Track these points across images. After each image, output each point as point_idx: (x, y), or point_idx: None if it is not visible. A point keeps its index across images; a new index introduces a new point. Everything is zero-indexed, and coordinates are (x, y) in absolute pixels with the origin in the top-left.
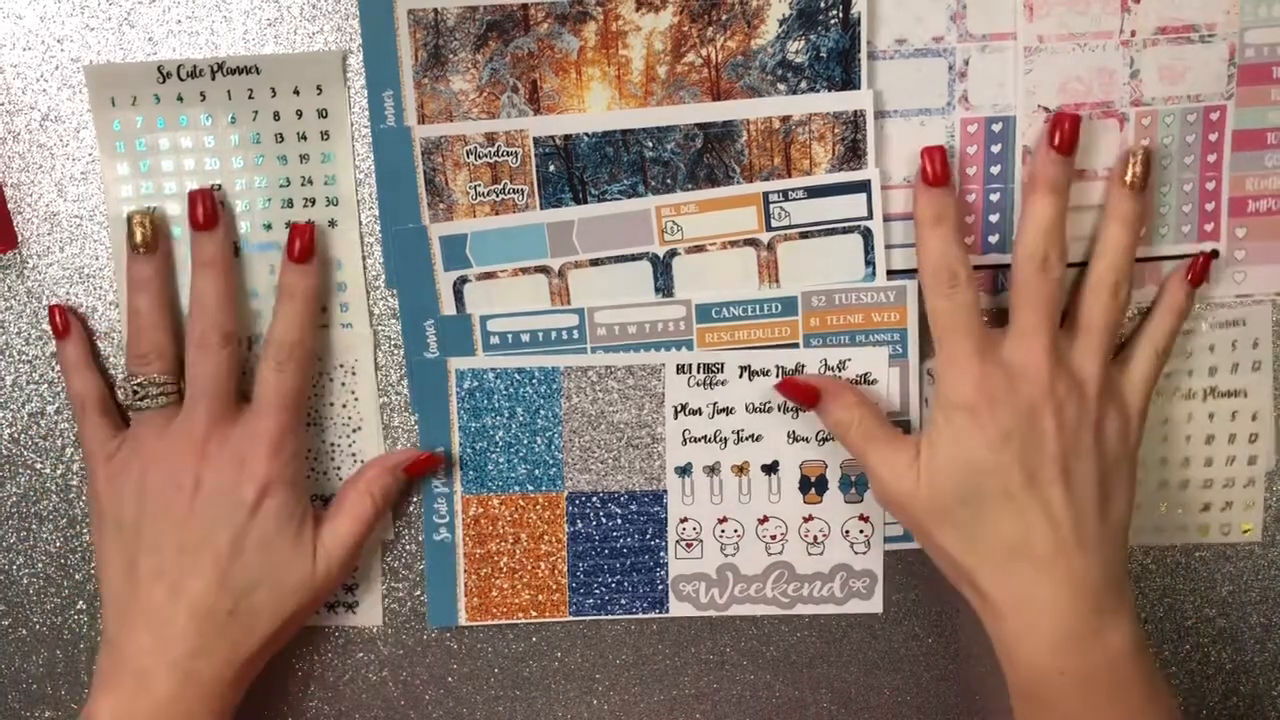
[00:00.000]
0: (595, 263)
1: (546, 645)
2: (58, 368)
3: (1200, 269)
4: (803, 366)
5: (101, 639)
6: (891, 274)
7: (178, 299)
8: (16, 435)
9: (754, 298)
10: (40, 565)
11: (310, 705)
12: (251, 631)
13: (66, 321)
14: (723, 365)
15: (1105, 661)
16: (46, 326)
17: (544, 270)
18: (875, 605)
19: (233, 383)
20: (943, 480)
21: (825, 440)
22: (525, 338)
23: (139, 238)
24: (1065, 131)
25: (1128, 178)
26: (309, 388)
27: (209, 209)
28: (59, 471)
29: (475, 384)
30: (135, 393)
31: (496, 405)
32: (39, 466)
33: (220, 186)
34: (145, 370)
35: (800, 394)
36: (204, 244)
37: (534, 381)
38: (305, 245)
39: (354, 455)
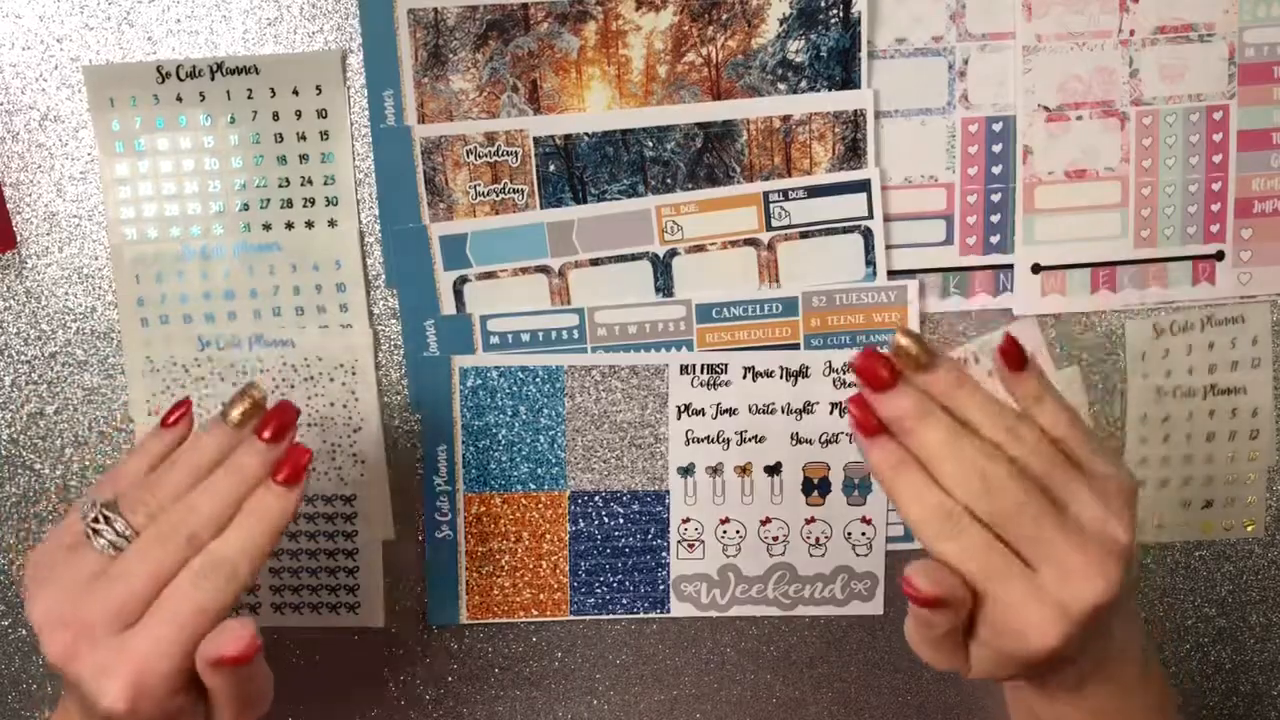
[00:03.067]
0: (595, 262)
1: (547, 645)
2: (57, 368)
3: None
4: (806, 368)
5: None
6: (892, 274)
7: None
8: (16, 435)
9: (754, 298)
10: None
11: (310, 705)
12: None
13: (180, 421)
14: (726, 366)
15: (1120, 688)
16: (45, 327)
17: (544, 270)
18: (876, 607)
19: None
20: (995, 681)
21: (828, 442)
22: (525, 337)
23: (236, 414)
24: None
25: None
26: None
27: (283, 425)
28: (58, 472)
29: (478, 382)
30: (95, 520)
31: (500, 404)
32: (38, 467)
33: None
34: (130, 518)
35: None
36: (268, 498)
37: (537, 380)
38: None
39: (354, 455)
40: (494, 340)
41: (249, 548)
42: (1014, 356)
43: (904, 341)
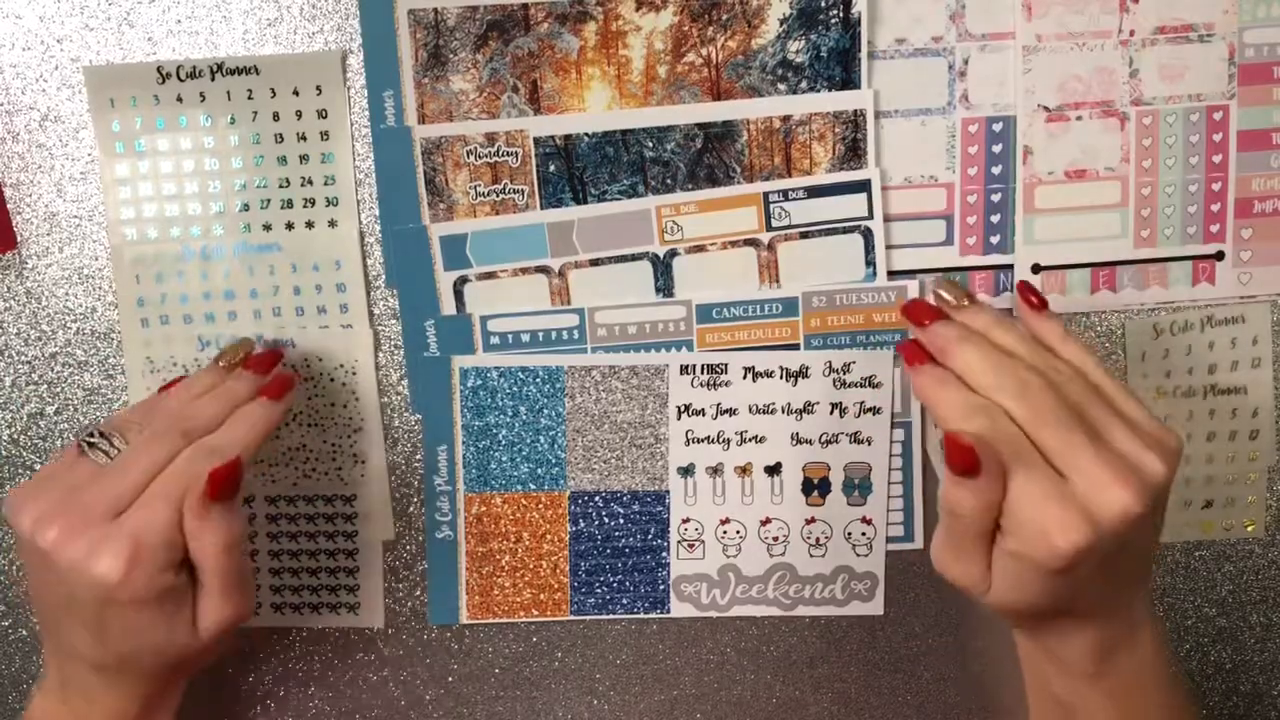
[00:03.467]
0: (595, 263)
1: (547, 645)
2: (57, 368)
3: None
4: (807, 369)
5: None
6: (892, 274)
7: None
8: (16, 436)
9: (755, 298)
10: None
11: (310, 705)
12: (140, 676)
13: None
14: (726, 366)
15: (1136, 668)
16: (46, 327)
17: (544, 270)
18: (876, 607)
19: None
20: (1012, 605)
21: (828, 443)
22: (525, 338)
23: (227, 358)
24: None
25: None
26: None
27: (265, 364)
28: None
29: (479, 382)
30: (89, 437)
31: (500, 404)
32: (38, 467)
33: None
34: (126, 433)
35: (966, 461)
36: (255, 408)
37: (538, 380)
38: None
39: (354, 455)
40: (494, 340)
41: (237, 441)
42: (1034, 296)
43: (942, 290)
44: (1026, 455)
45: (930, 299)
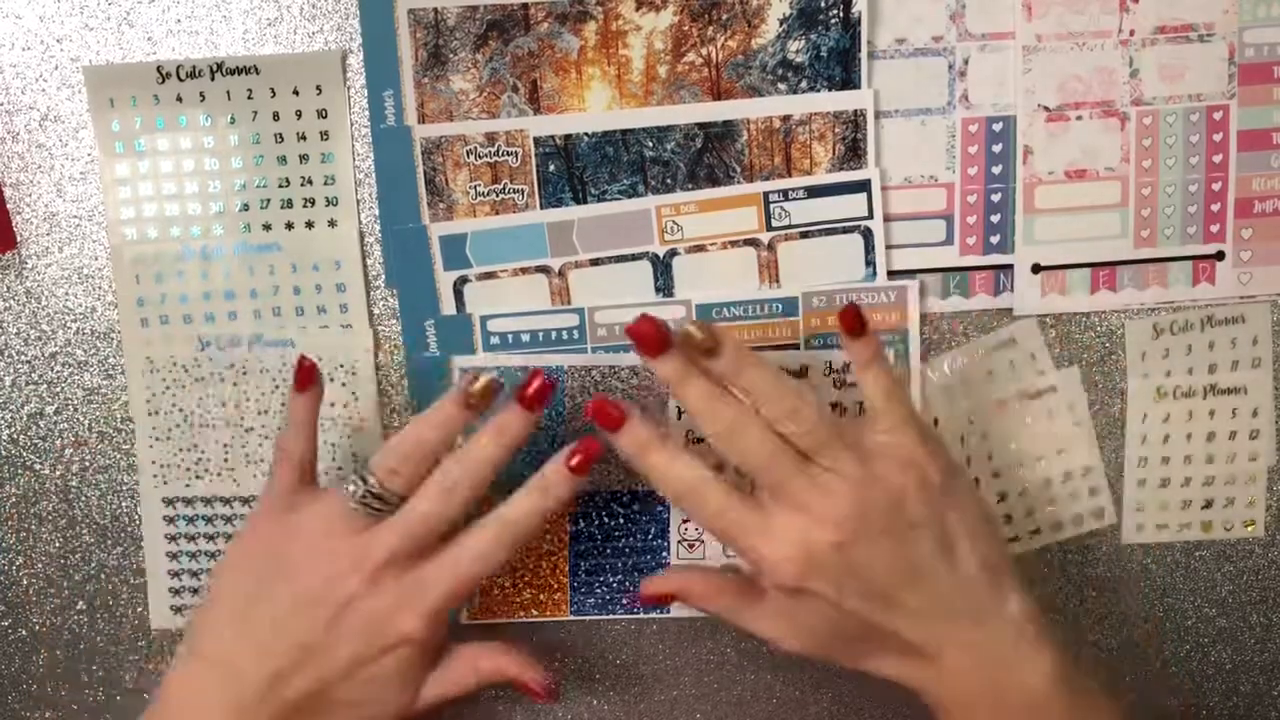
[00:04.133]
0: (595, 262)
1: (547, 645)
2: (57, 368)
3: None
4: (807, 369)
5: (175, 664)
6: (892, 274)
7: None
8: (16, 436)
9: (755, 298)
10: (40, 565)
11: None
12: None
13: (312, 378)
14: None
15: (1024, 703)
16: (45, 327)
17: (544, 270)
18: None
19: (440, 535)
20: (808, 642)
21: None
22: (525, 338)
23: (475, 390)
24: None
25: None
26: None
27: (544, 394)
28: (58, 472)
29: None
30: (364, 498)
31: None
32: (38, 467)
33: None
34: (390, 484)
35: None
36: (516, 421)
37: None
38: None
39: (354, 455)
40: (494, 340)
41: (531, 514)
42: (853, 321)
43: (689, 329)
44: (734, 519)
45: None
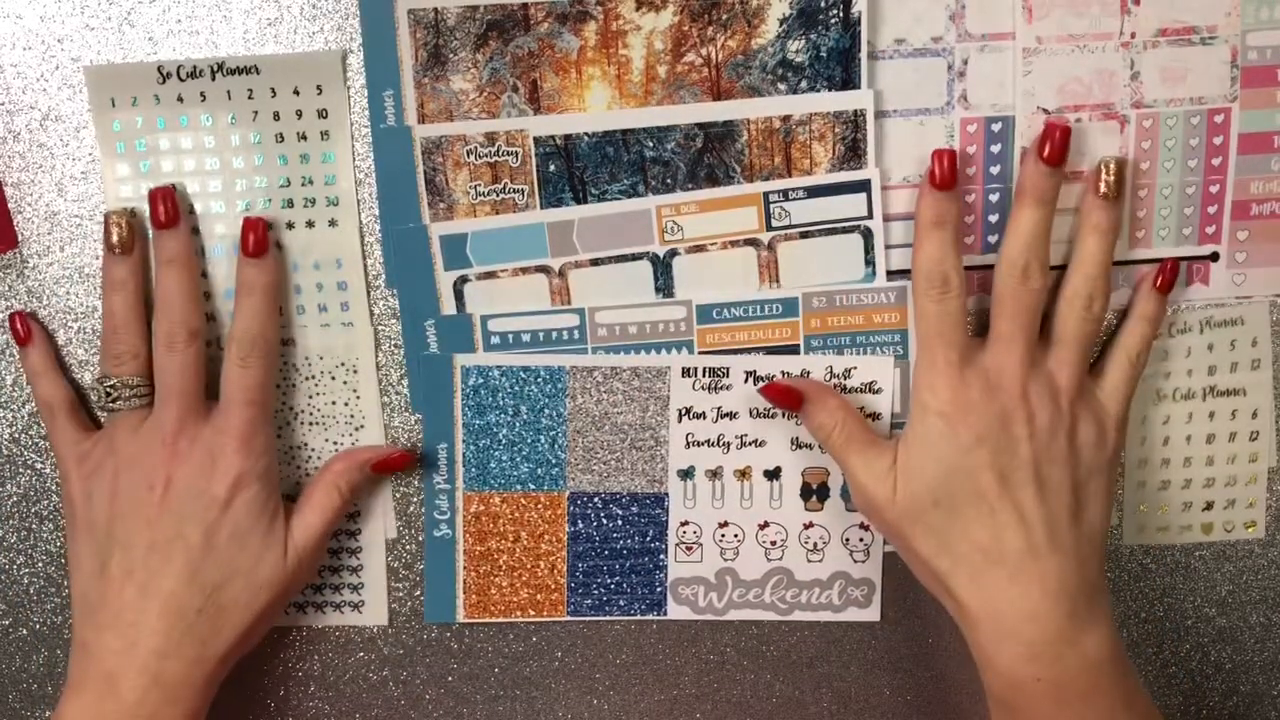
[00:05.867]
0: (595, 262)
1: (547, 645)
2: None
3: (1168, 275)
4: (808, 373)
5: (72, 642)
6: (891, 274)
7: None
8: (16, 435)
9: (755, 298)
10: (40, 565)
11: (310, 705)
12: (220, 630)
13: (29, 328)
14: (728, 369)
15: (1081, 669)
16: (47, 326)
17: (544, 270)
18: (873, 613)
19: (200, 380)
20: (917, 483)
21: None
22: (526, 337)
23: (115, 237)
24: (1055, 142)
25: (1101, 189)
26: (274, 380)
27: (170, 208)
28: (59, 471)
29: (480, 381)
30: (108, 394)
31: (501, 403)
32: (39, 467)
33: (179, 186)
34: (118, 371)
35: (784, 398)
36: (166, 241)
37: (539, 380)
38: (259, 240)
39: (350, 426)
40: (495, 340)
41: (261, 316)
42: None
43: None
44: (949, 332)
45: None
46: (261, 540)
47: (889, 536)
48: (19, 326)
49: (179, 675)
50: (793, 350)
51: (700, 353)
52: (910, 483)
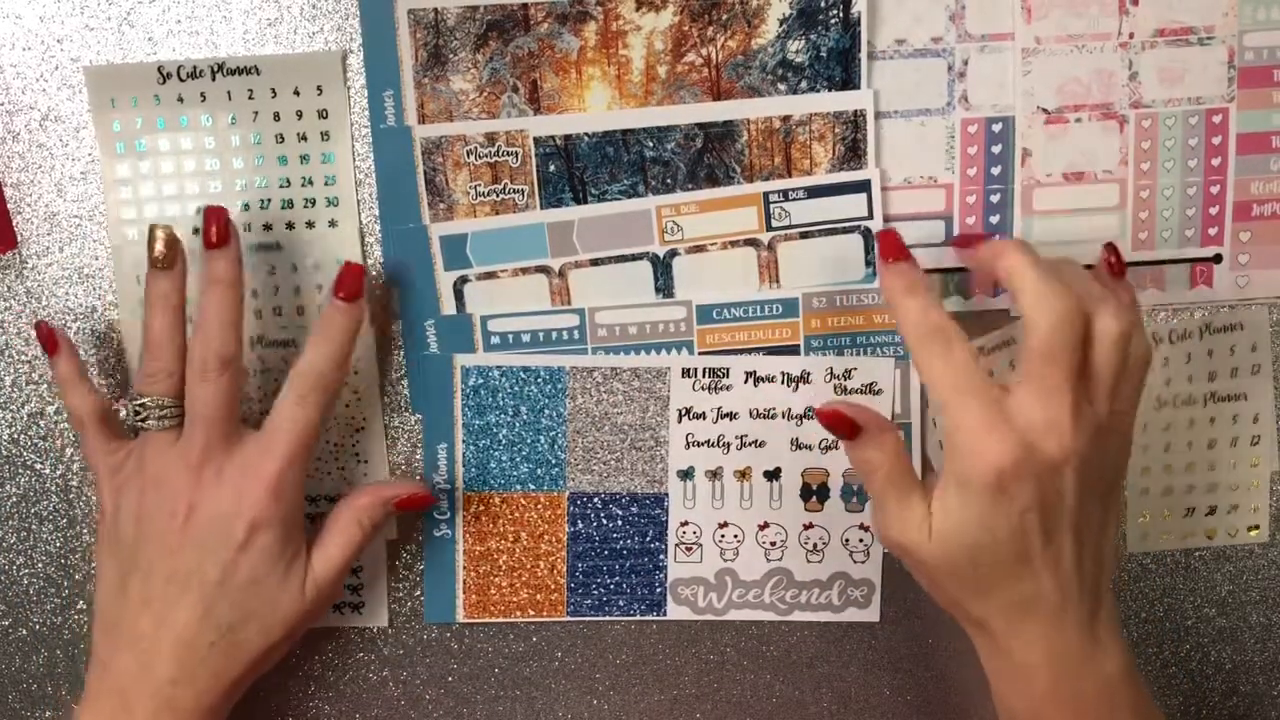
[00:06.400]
0: (595, 263)
1: (547, 645)
2: None
3: (1115, 257)
4: (808, 374)
5: (90, 655)
6: None
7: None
8: (16, 436)
9: (755, 299)
10: (40, 565)
11: (310, 705)
12: (233, 662)
13: (54, 338)
14: (728, 370)
15: (1099, 688)
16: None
17: (544, 270)
18: (873, 614)
19: (232, 408)
20: (956, 547)
21: (828, 449)
22: (526, 338)
23: (158, 251)
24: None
25: (1110, 268)
26: (328, 423)
27: (222, 227)
28: (59, 472)
29: (480, 381)
30: (137, 413)
31: (501, 403)
32: (39, 467)
33: (215, 193)
34: (151, 390)
35: (839, 426)
36: (215, 261)
37: (539, 381)
38: (355, 284)
39: (357, 455)
40: (495, 340)
41: (319, 360)
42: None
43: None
44: (968, 385)
45: None
46: (279, 583)
47: (912, 571)
48: (45, 336)
49: (191, 701)
50: (793, 350)
51: (700, 353)
52: (948, 544)
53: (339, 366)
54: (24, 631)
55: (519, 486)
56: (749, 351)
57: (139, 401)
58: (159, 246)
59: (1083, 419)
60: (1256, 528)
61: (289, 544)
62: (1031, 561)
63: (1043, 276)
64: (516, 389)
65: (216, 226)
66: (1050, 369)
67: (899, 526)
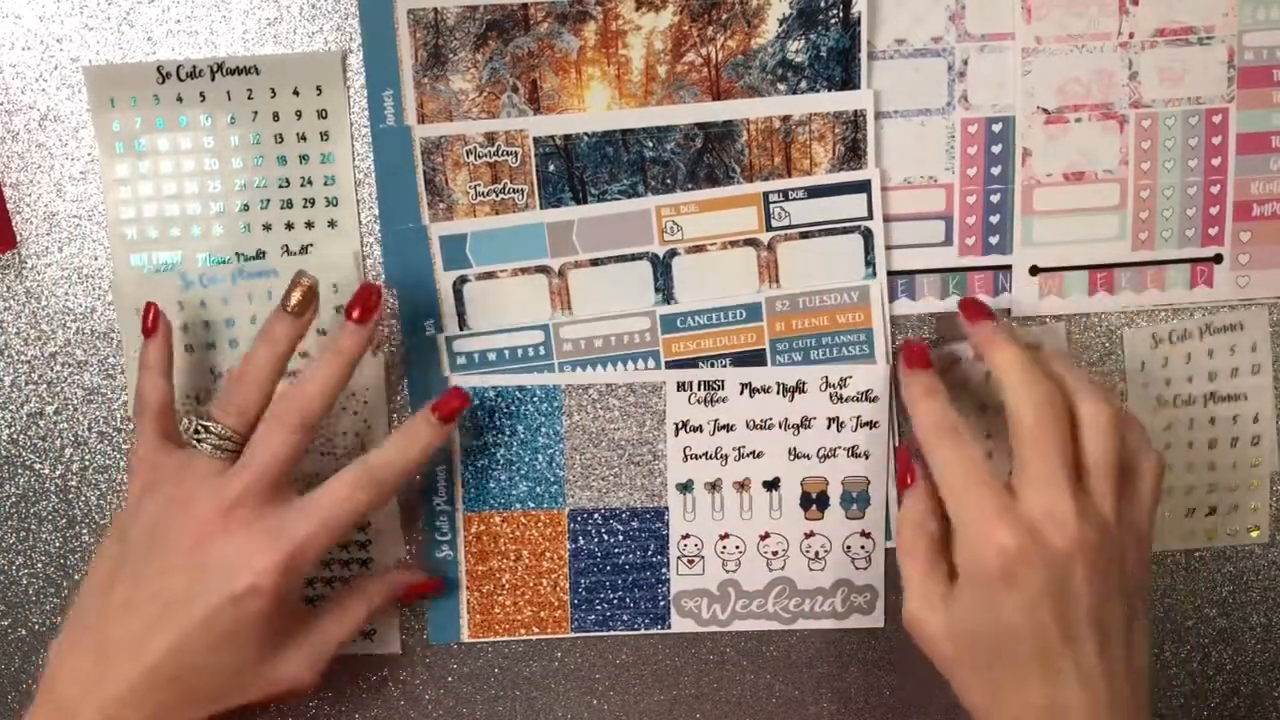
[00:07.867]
0: (595, 263)
1: (547, 646)
2: (57, 368)
3: (975, 306)
4: (803, 384)
5: (51, 647)
6: (892, 274)
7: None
8: (15, 436)
9: (717, 305)
10: (40, 565)
11: (309, 705)
12: (186, 702)
13: (157, 323)
14: (722, 383)
15: None
16: (45, 327)
17: (544, 270)
18: (876, 620)
19: (286, 468)
20: (969, 641)
21: (826, 457)
22: (492, 356)
23: (295, 299)
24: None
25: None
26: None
27: (372, 304)
28: (58, 472)
29: (476, 402)
30: (197, 432)
31: (498, 423)
32: (38, 467)
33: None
34: (223, 419)
35: (903, 467)
36: (348, 336)
37: (535, 399)
38: (452, 410)
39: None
40: (460, 361)
41: (394, 462)
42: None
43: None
44: (977, 478)
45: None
46: (254, 649)
47: (933, 661)
48: (149, 319)
49: None
50: (758, 355)
51: (668, 363)
52: (963, 637)
53: (409, 465)
54: (23, 631)
55: (519, 505)
56: (718, 358)
57: (205, 423)
58: (296, 295)
59: (1087, 512)
60: (1257, 528)
61: (277, 618)
62: (1052, 660)
63: (1026, 367)
64: (512, 408)
65: (363, 308)
66: (1039, 457)
67: (919, 598)
